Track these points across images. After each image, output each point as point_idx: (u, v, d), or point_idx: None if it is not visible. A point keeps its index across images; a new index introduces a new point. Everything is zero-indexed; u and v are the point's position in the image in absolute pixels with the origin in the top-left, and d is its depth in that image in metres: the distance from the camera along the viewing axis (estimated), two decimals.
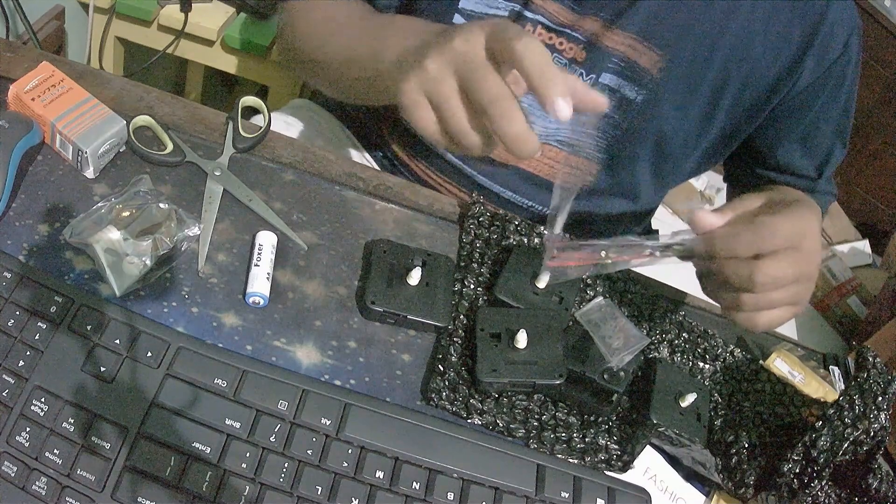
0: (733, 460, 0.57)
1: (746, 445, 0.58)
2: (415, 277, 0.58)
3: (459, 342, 0.58)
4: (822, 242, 0.62)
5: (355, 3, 0.72)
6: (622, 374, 0.56)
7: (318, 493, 0.48)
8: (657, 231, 1.03)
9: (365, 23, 0.67)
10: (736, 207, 0.57)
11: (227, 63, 1.44)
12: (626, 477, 0.55)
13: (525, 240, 0.66)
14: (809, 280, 0.57)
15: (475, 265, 0.63)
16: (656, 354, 0.64)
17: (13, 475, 0.44)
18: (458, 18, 0.73)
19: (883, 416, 0.56)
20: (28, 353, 0.47)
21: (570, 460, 0.55)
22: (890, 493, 0.56)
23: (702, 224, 0.54)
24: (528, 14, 0.71)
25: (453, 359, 0.57)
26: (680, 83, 0.72)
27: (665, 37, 0.71)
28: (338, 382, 0.54)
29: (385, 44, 0.59)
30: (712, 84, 0.73)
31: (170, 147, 0.61)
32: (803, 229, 0.55)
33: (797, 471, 0.55)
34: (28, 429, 0.45)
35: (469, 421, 0.55)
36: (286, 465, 0.48)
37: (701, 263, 0.56)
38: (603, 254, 0.54)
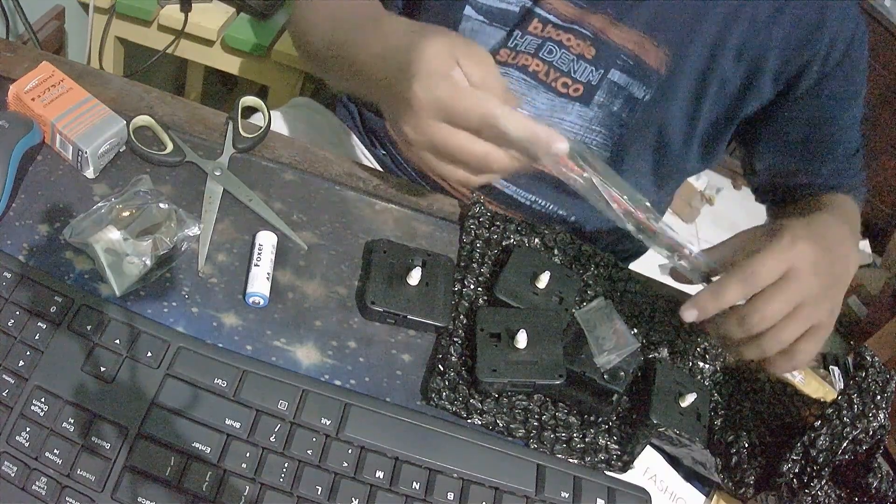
0: (733, 460, 0.57)
1: (746, 445, 0.58)
2: (415, 277, 0.58)
3: (459, 342, 0.58)
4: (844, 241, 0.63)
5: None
6: (622, 374, 0.56)
7: (318, 493, 0.48)
8: None
9: (355, 19, 0.67)
10: (721, 250, 0.59)
11: (227, 63, 1.44)
12: (626, 477, 0.55)
13: (525, 240, 0.66)
14: (816, 300, 0.56)
15: (475, 265, 0.63)
16: (656, 354, 0.63)
17: (13, 475, 0.44)
18: (469, 11, 0.73)
19: (882, 414, 0.56)
20: (28, 353, 0.47)
21: (570, 460, 0.55)
22: (890, 493, 0.56)
23: (688, 316, 0.55)
24: (538, 10, 0.72)
25: (453, 359, 0.57)
26: (685, 82, 0.72)
27: (671, 35, 0.71)
28: (338, 382, 0.54)
29: (366, 42, 0.60)
30: (715, 85, 0.73)
31: (170, 147, 0.61)
32: (791, 258, 0.55)
33: (797, 470, 0.55)
34: (28, 429, 0.45)
35: (469, 421, 0.55)
36: (286, 465, 0.48)
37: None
38: (642, 216, 0.55)
